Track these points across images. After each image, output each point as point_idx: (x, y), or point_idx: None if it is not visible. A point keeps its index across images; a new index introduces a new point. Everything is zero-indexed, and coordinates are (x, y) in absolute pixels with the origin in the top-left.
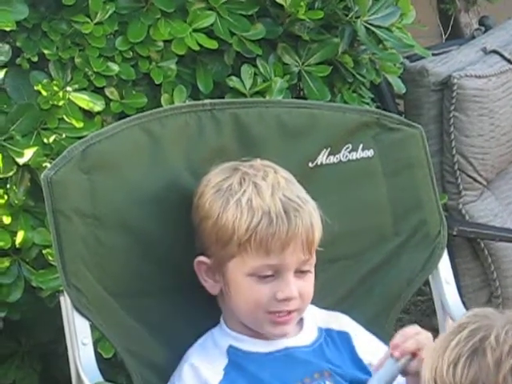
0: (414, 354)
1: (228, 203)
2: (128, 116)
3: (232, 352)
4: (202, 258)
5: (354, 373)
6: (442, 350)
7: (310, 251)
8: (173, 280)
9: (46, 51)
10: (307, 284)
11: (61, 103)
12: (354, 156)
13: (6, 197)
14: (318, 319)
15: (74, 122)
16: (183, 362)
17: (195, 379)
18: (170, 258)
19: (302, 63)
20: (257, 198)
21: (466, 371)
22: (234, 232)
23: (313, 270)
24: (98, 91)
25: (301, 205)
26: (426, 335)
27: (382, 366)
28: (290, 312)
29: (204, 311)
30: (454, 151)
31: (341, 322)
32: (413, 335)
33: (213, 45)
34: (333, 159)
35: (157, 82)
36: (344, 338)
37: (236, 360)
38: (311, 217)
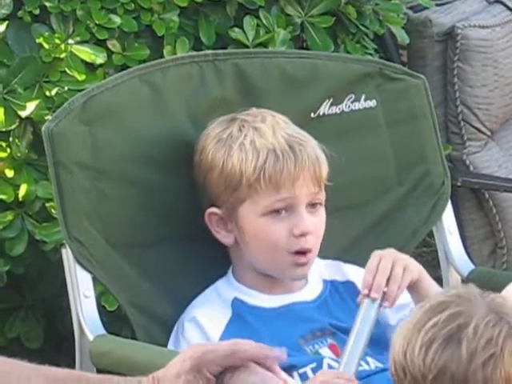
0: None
1: (231, 149)
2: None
3: (237, 304)
4: (212, 209)
5: None
6: (418, 327)
7: (319, 184)
8: (176, 231)
9: (47, 4)
10: (319, 220)
11: (63, 56)
12: (356, 106)
13: (8, 150)
14: (323, 271)
15: (76, 74)
16: (186, 316)
17: (198, 334)
18: (173, 208)
19: (305, 14)
20: (260, 138)
21: (437, 357)
22: (242, 174)
23: (323, 203)
24: (100, 44)
25: (304, 139)
26: (391, 256)
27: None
28: (307, 252)
29: (208, 263)
30: (458, 102)
31: (345, 272)
32: (375, 268)
33: None
34: (335, 109)
35: (159, 34)
36: (349, 287)
37: (240, 313)
38: (315, 150)
